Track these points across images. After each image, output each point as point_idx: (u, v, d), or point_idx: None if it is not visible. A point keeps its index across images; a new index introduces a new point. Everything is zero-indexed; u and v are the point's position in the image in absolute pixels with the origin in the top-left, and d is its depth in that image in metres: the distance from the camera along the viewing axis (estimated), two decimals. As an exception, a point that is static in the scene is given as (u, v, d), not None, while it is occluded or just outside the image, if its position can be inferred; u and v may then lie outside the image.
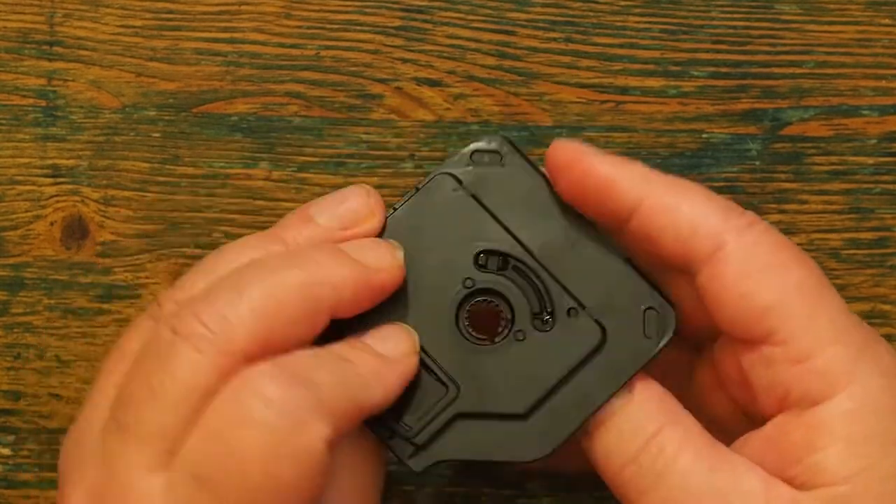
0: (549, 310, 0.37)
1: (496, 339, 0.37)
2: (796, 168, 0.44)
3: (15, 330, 0.45)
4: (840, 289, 0.43)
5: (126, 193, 0.44)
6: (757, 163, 0.44)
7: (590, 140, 0.44)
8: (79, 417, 0.35)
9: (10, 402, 0.45)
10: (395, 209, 0.38)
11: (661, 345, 0.36)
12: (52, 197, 0.44)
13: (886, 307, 0.44)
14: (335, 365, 0.34)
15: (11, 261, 0.44)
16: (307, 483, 0.32)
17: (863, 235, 0.44)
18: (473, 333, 0.37)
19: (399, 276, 0.36)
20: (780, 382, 0.34)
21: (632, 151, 0.44)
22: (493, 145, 0.38)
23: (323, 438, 0.32)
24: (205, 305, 0.33)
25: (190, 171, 0.44)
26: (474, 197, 0.38)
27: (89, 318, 0.44)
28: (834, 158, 0.44)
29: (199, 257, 0.44)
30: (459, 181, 0.38)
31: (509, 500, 0.44)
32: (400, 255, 0.37)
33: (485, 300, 0.38)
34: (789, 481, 0.33)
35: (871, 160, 0.44)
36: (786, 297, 0.34)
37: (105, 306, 0.44)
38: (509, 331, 0.37)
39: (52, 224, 0.44)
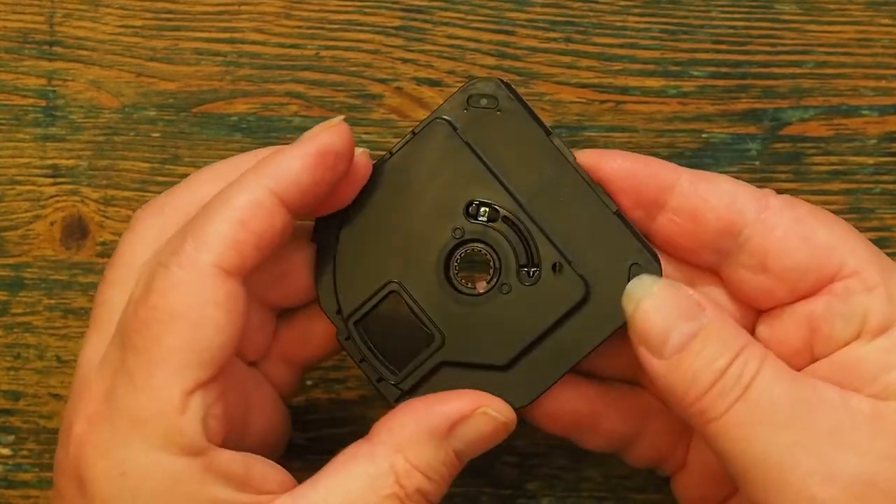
0: (535, 263, 0.37)
1: (483, 290, 0.37)
2: (796, 168, 0.44)
3: (15, 330, 0.45)
4: (840, 289, 0.43)
5: (126, 193, 0.44)
6: (757, 163, 0.44)
7: (590, 140, 0.44)
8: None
9: (9, 402, 0.45)
10: (391, 154, 0.38)
11: None
12: (51, 197, 0.44)
13: (886, 307, 0.44)
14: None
15: (11, 261, 0.44)
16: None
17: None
18: (462, 283, 0.37)
19: (337, 133, 0.36)
20: (858, 312, 0.35)
21: (632, 151, 0.44)
22: (490, 89, 0.38)
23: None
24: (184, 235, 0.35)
25: (190, 170, 0.44)
26: (469, 144, 0.37)
27: (89, 318, 0.44)
28: (834, 158, 0.44)
29: (199, 257, 0.44)
30: (454, 127, 0.37)
31: (509, 500, 0.44)
32: (337, 118, 0.37)
33: (472, 251, 0.38)
34: None
35: (871, 160, 0.44)
36: (843, 234, 0.36)
37: (105, 306, 0.44)
38: (496, 282, 0.37)
39: (52, 224, 0.44)
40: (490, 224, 0.37)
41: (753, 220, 0.36)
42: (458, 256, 0.38)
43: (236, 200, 0.35)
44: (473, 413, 0.36)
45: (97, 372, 0.35)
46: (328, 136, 0.36)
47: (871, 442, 0.33)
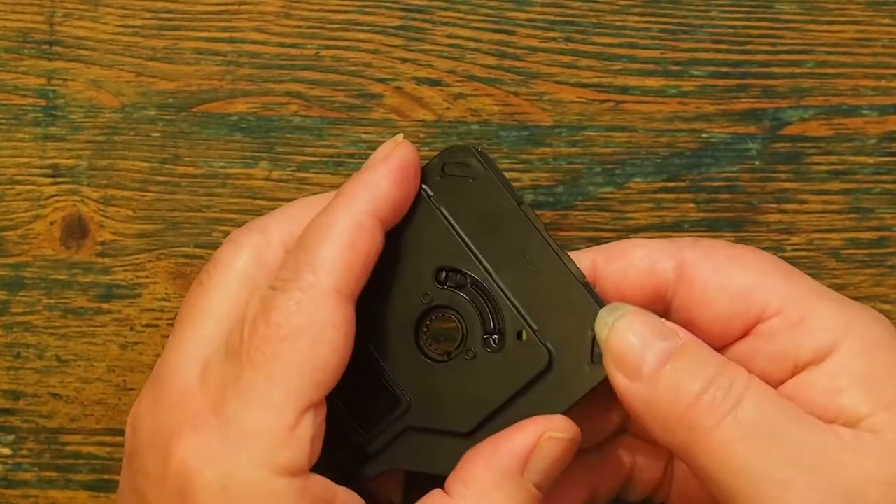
0: (499, 330, 0.37)
1: (449, 357, 0.37)
2: (796, 168, 0.44)
3: (15, 329, 0.45)
4: (840, 288, 0.43)
5: (126, 193, 0.44)
6: (757, 162, 0.44)
7: (590, 140, 0.44)
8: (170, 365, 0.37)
9: (9, 401, 0.45)
10: None
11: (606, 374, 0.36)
12: (51, 196, 0.44)
13: (886, 307, 0.44)
14: None
15: (11, 260, 0.44)
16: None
17: (863, 235, 0.44)
18: (432, 349, 0.38)
19: (408, 147, 0.38)
20: (788, 350, 0.35)
21: (631, 151, 0.44)
22: (463, 158, 0.38)
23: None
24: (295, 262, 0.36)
25: (190, 170, 0.44)
26: (441, 211, 0.38)
27: (89, 318, 0.44)
28: (834, 158, 0.44)
29: (199, 257, 0.44)
30: (428, 195, 0.38)
31: (509, 500, 0.44)
32: (398, 136, 0.38)
33: (440, 317, 0.38)
34: None
35: (871, 160, 0.44)
36: (760, 274, 0.36)
37: (105, 306, 0.44)
38: (462, 349, 0.38)
39: (51, 224, 0.44)
40: (458, 291, 0.38)
41: (673, 280, 0.37)
42: (426, 322, 0.38)
43: (339, 225, 0.36)
44: (539, 441, 0.35)
45: (201, 384, 0.36)
46: (404, 150, 0.38)
47: (859, 463, 0.33)
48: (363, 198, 0.37)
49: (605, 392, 0.36)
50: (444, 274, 0.38)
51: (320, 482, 0.35)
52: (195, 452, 0.35)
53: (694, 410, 0.34)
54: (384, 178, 0.37)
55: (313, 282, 0.35)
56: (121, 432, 0.45)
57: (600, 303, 0.36)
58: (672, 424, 0.34)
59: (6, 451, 0.45)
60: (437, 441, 0.37)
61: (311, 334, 0.35)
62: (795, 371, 0.35)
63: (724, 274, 0.36)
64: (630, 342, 0.35)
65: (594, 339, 0.36)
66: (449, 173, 0.38)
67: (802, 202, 0.44)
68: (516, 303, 0.37)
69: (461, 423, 0.37)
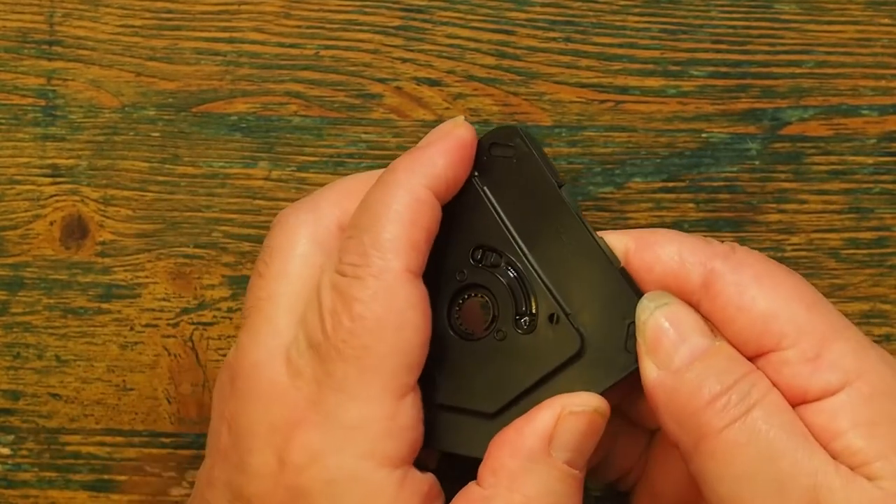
0: (531, 312, 0.37)
1: (480, 336, 0.37)
2: (796, 168, 0.44)
3: (14, 329, 0.45)
4: (840, 289, 0.43)
5: (126, 193, 0.44)
6: (756, 162, 0.44)
7: (589, 140, 0.44)
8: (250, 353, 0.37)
9: (9, 401, 0.45)
10: None
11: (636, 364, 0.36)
12: (51, 196, 0.44)
13: (886, 307, 0.44)
14: None
15: (11, 260, 0.44)
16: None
17: (862, 235, 0.44)
18: (462, 326, 0.37)
19: (467, 128, 0.37)
20: (798, 383, 0.35)
21: (631, 151, 0.44)
22: (509, 139, 0.38)
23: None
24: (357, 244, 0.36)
25: (189, 170, 0.44)
26: (483, 191, 0.38)
27: (89, 318, 0.44)
28: (833, 158, 0.44)
29: (198, 257, 0.44)
30: (473, 174, 0.38)
31: (509, 500, 0.44)
32: (459, 117, 0.38)
33: (473, 295, 0.38)
34: None
35: (870, 160, 0.44)
36: (783, 301, 0.35)
37: (104, 306, 0.44)
38: (492, 328, 0.37)
39: (51, 224, 0.44)
40: (493, 270, 0.37)
41: (699, 287, 0.36)
42: (459, 300, 0.38)
43: (399, 202, 0.36)
44: (560, 419, 0.35)
45: (291, 378, 0.36)
46: (464, 130, 0.37)
47: (853, 500, 0.33)
48: (421, 173, 0.36)
49: (630, 380, 0.36)
50: (480, 253, 0.38)
51: (419, 476, 0.35)
52: (301, 449, 0.35)
53: (708, 409, 0.34)
54: (441, 155, 0.37)
55: (384, 266, 0.35)
56: (120, 432, 0.45)
57: (638, 291, 0.36)
58: (686, 420, 0.34)
59: (6, 451, 0.45)
60: (465, 421, 0.37)
61: (395, 321, 0.35)
62: (799, 404, 0.35)
63: (748, 296, 0.35)
64: (668, 331, 0.35)
65: (628, 327, 0.36)
66: (494, 154, 0.38)
67: (802, 202, 0.44)
68: (551, 286, 0.37)
69: (487, 404, 0.37)
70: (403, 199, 0.36)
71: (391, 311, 0.35)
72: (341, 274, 0.36)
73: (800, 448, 0.33)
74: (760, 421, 0.34)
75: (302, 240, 0.37)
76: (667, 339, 0.35)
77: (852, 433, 0.34)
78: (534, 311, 0.37)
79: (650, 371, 0.35)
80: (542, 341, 0.37)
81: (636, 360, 0.36)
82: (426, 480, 0.35)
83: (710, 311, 0.36)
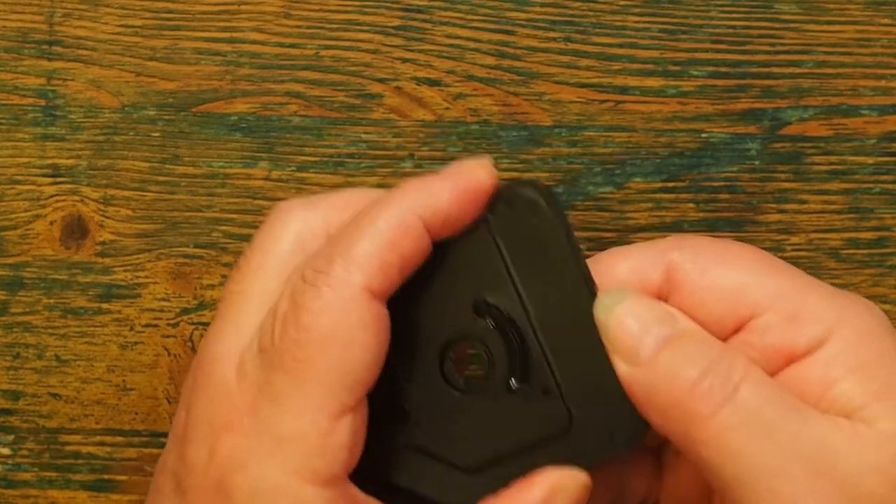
0: (525, 378, 0.36)
1: (470, 389, 0.36)
2: (796, 168, 0.44)
3: (14, 329, 0.45)
4: (840, 289, 0.43)
5: (126, 193, 0.44)
6: (756, 162, 0.44)
7: (589, 140, 0.44)
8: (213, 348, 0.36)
9: (9, 401, 0.45)
10: None
11: (620, 452, 0.35)
12: (51, 196, 0.44)
13: (886, 307, 0.44)
14: None
15: (11, 260, 0.44)
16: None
17: (862, 235, 0.44)
18: (453, 375, 0.37)
19: (488, 172, 0.36)
20: (781, 344, 0.35)
21: (631, 151, 0.44)
22: (531, 193, 0.36)
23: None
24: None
25: (189, 170, 0.44)
26: (496, 240, 0.36)
27: (89, 318, 0.44)
28: (833, 158, 0.44)
29: (198, 257, 0.44)
30: (488, 221, 0.36)
31: (509, 500, 0.44)
32: (486, 158, 0.36)
33: (469, 347, 0.37)
34: None
35: (870, 160, 0.44)
36: (748, 273, 0.36)
37: (104, 306, 0.44)
38: (483, 385, 0.36)
39: (51, 224, 0.44)
40: (493, 325, 0.36)
41: (664, 283, 0.36)
42: (454, 347, 0.37)
43: (385, 221, 0.35)
44: (552, 496, 0.35)
45: (238, 380, 0.35)
46: (483, 173, 0.36)
47: (855, 452, 0.33)
48: (419, 201, 0.35)
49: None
50: (483, 305, 0.36)
51: (352, 492, 0.34)
52: (230, 452, 0.34)
53: (691, 397, 0.34)
54: (449, 191, 0.35)
55: (344, 279, 0.34)
56: (120, 432, 0.45)
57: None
58: (670, 411, 0.34)
59: (6, 451, 0.45)
60: (439, 468, 0.36)
61: (342, 337, 0.34)
62: (788, 363, 0.35)
63: (712, 275, 0.36)
64: (628, 326, 0.35)
65: (617, 416, 0.35)
66: (515, 206, 0.36)
67: (802, 202, 0.44)
68: (549, 354, 0.36)
69: (465, 459, 0.36)
70: (390, 220, 0.35)
71: (340, 327, 0.34)
72: (302, 279, 0.35)
73: (795, 418, 0.33)
74: (749, 399, 0.33)
75: (287, 237, 0.36)
76: (629, 334, 0.35)
77: (846, 379, 0.34)
78: (528, 377, 0.36)
79: (622, 369, 0.35)
80: (529, 410, 0.36)
81: (617, 451, 0.35)
82: (360, 500, 0.35)
83: (680, 301, 0.36)
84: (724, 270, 0.36)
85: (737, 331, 0.36)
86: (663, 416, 0.34)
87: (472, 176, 0.36)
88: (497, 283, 0.36)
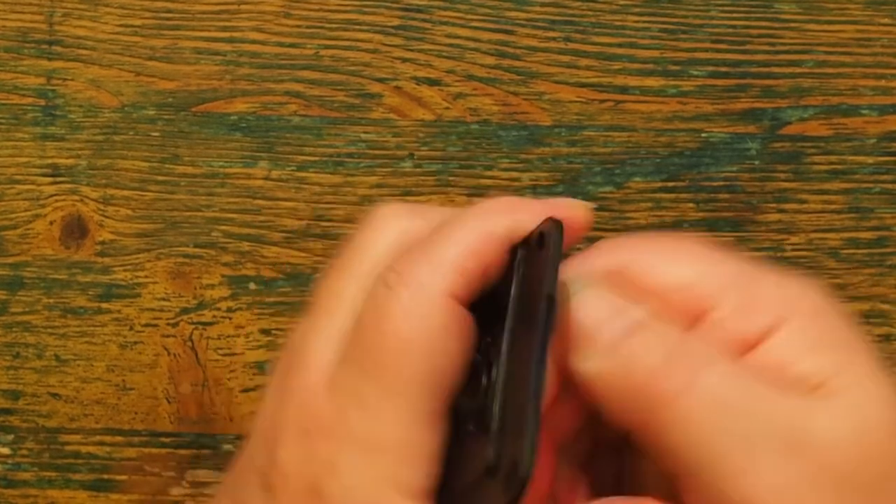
0: (483, 420, 0.34)
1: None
2: (796, 167, 0.44)
3: (14, 329, 0.45)
4: (839, 288, 0.43)
5: (125, 193, 0.44)
6: (756, 162, 0.44)
7: (589, 139, 0.44)
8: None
9: (9, 401, 0.45)
10: None
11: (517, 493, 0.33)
12: (51, 196, 0.44)
13: (886, 306, 0.44)
14: None
15: (11, 260, 0.44)
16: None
17: (862, 235, 0.44)
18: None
19: (586, 213, 0.35)
20: (739, 333, 0.34)
21: (631, 150, 0.44)
22: (548, 232, 0.35)
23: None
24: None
25: (189, 170, 0.44)
26: (515, 277, 0.35)
27: (88, 317, 0.44)
28: (833, 158, 0.44)
29: (198, 257, 0.44)
30: (517, 255, 0.35)
31: (508, 500, 0.44)
32: (587, 205, 0.36)
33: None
34: None
35: (870, 160, 0.44)
36: (694, 266, 0.35)
37: (104, 305, 0.44)
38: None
39: (51, 223, 0.44)
40: (481, 359, 0.35)
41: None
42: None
43: (470, 230, 0.34)
44: None
45: (327, 389, 0.34)
46: (583, 212, 0.35)
47: (822, 427, 0.33)
48: (511, 217, 0.34)
49: None
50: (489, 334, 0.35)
51: None
52: (324, 457, 0.34)
53: (655, 381, 0.33)
54: (537, 216, 0.34)
55: (426, 283, 0.33)
56: (120, 432, 0.45)
57: (532, 436, 0.33)
58: (630, 402, 0.34)
59: (6, 450, 0.45)
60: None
61: (425, 345, 0.33)
62: (745, 352, 0.35)
63: (659, 273, 0.36)
64: (583, 318, 0.35)
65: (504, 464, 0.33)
66: (540, 243, 0.35)
67: (802, 202, 0.44)
68: (499, 397, 0.34)
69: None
70: (476, 229, 0.34)
71: (422, 334, 0.33)
72: (384, 282, 0.34)
73: (762, 398, 0.33)
74: (715, 382, 0.33)
75: (381, 242, 0.36)
76: (585, 326, 0.35)
77: (803, 359, 0.33)
78: (482, 416, 0.34)
79: (576, 365, 0.35)
80: (477, 447, 0.34)
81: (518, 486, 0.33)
82: None
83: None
84: (669, 268, 0.36)
85: (693, 325, 0.36)
86: (623, 408, 0.34)
87: (572, 210, 0.35)
88: (500, 316, 0.36)
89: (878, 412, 0.33)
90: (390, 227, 0.36)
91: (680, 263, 0.36)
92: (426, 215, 0.37)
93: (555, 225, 0.35)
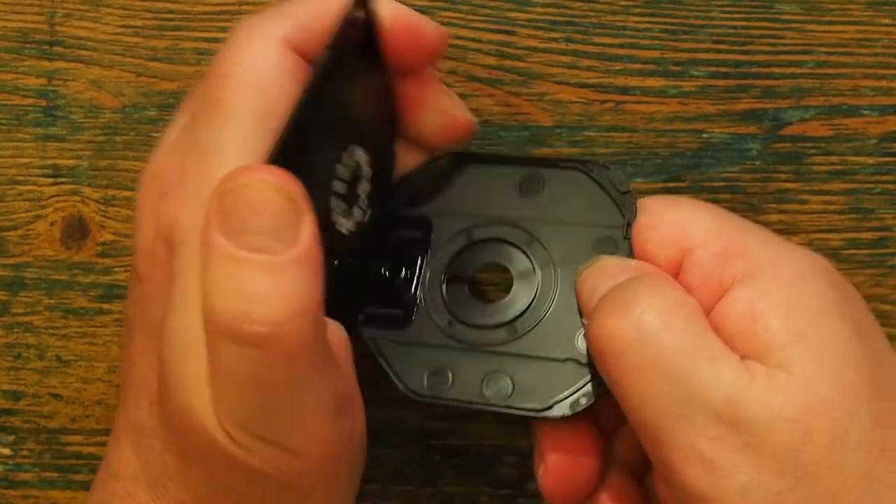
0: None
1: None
2: (797, 168, 0.44)
3: (15, 330, 0.45)
4: (840, 289, 0.43)
5: (126, 193, 0.44)
6: (757, 163, 0.44)
7: (590, 140, 0.44)
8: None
9: (10, 401, 0.45)
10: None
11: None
12: (52, 197, 0.44)
13: (886, 307, 0.44)
14: None
15: (12, 261, 0.44)
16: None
17: (863, 235, 0.44)
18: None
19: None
20: (713, 277, 0.35)
21: (632, 151, 0.44)
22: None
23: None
24: None
25: (190, 170, 0.44)
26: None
27: (89, 318, 0.44)
28: (834, 158, 0.44)
29: (199, 257, 0.44)
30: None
31: (509, 500, 0.44)
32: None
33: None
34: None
35: (871, 160, 0.44)
36: (692, 211, 0.36)
37: (105, 306, 0.44)
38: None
39: (52, 224, 0.44)
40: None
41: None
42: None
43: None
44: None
45: (168, 155, 0.35)
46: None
47: (766, 400, 0.32)
48: None
49: None
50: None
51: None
52: (168, 212, 0.34)
53: (597, 305, 0.34)
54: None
55: (264, 28, 0.34)
56: (121, 433, 0.45)
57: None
58: (598, 358, 0.34)
59: (7, 451, 0.45)
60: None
61: (257, 80, 0.34)
62: (718, 296, 0.35)
63: (656, 214, 0.36)
64: (584, 286, 0.36)
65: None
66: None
67: (803, 202, 0.44)
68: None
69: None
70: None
71: (255, 71, 0.34)
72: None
73: (706, 366, 0.32)
74: (660, 342, 0.33)
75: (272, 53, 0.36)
76: (583, 292, 0.36)
77: (770, 315, 0.33)
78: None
79: (587, 326, 0.35)
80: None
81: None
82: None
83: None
84: (666, 210, 0.36)
85: (679, 263, 0.36)
86: (601, 366, 0.35)
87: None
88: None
89: (824, 391, 0.32)
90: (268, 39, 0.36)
91: (675, 209, 0.36)
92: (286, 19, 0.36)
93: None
